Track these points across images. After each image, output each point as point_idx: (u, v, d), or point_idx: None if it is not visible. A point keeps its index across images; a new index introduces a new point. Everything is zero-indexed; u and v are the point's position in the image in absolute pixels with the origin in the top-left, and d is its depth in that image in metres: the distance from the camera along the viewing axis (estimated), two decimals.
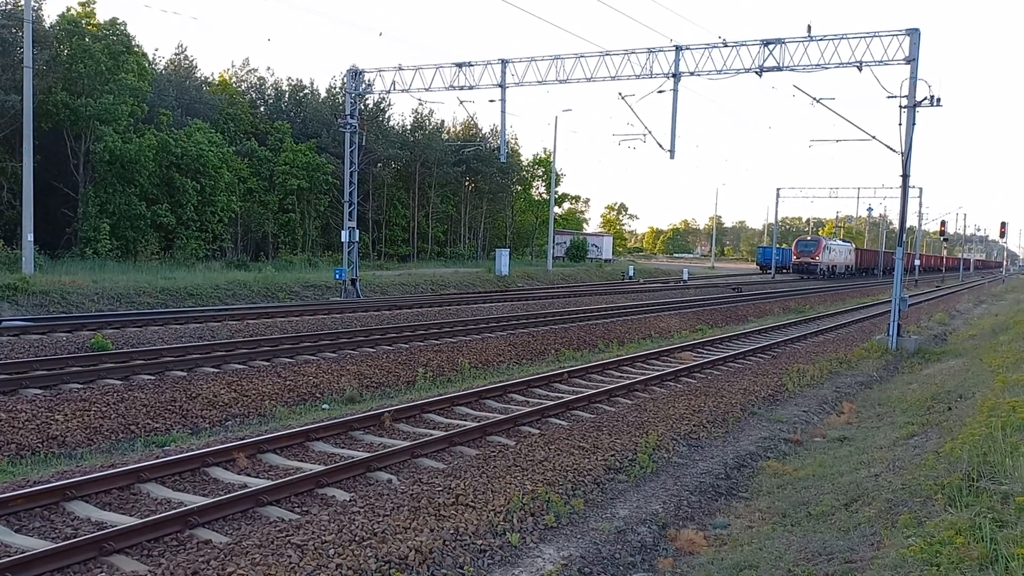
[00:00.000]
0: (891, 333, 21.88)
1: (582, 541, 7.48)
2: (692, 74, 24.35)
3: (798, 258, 68.45)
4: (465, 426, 10.86)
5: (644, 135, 27.47)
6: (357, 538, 6.72)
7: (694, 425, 11.91)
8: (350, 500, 7.74)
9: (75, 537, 6.56)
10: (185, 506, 7.28)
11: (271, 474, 8.74)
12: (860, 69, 22.38)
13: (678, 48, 24.36)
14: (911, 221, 66.24)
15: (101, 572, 5.93)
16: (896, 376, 18.29)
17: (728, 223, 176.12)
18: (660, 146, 25.53)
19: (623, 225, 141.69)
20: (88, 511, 7.28)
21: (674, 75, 24.37)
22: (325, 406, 13.45)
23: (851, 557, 6.25)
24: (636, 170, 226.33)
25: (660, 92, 24.81)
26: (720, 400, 13.71)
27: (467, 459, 9.45)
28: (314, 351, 16.34)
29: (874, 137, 23.63)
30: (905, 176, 21.53)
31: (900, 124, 21.16)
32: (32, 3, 25.63)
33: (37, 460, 9.75)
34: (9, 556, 6.05)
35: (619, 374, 16.01)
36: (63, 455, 10.07)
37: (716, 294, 41.27)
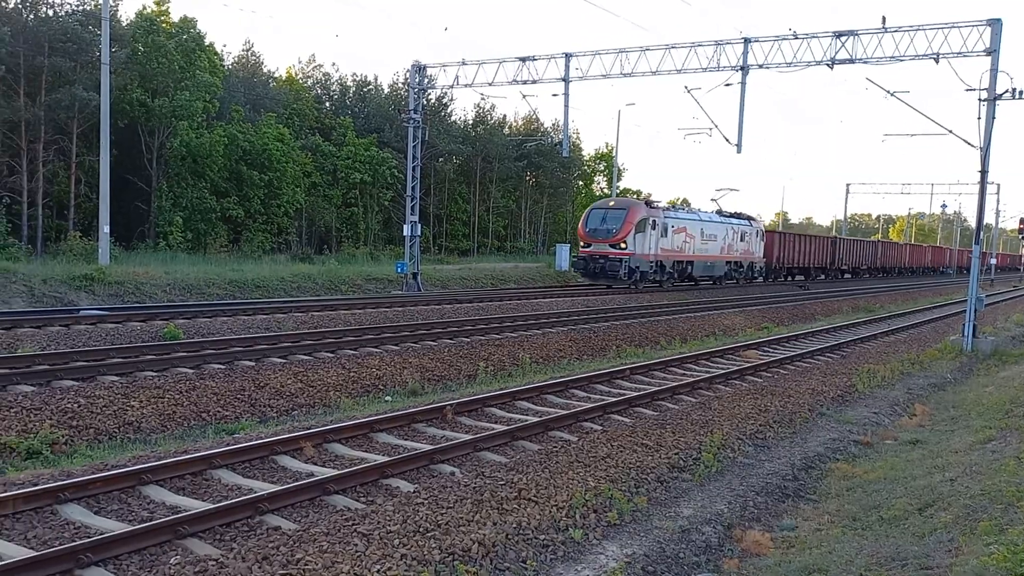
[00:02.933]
0: (966, 334, 21.16)
1: (646, 539, 7.40)
2: (761, 67, 23.91)
3: (585, 246, 34.44)
4: (527, 421, 10.86)
5: (710, 129, 26.86)
6: (421, 529, 6.77)
7: (760, 425, 11.69)
8: (414, 491, 7.80)
9: (151, 520, 6.76)
10: (255, 493, 7.43)
11: (337, 464, 8.86)
12: (937, 61, 21.68)
13: (746, 40, 23.92)
14: (988, 218, 59.35)
15: (176, 555, 6.09)
16: (971, 378, 17.67)
17: (795, 219, 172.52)
18: (727, 140, 25.11)
19: None
20: (163, 495, 7.49)
21: (742, 68, 23.94)
22: (388, 398, 13.60)
23: (927, 563, 6.06)
24: (700, 165, 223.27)
25: (727, 85, 24.38)
26: (787, 400, 13.43)
27: (529, 454, 9.44)
28: (377, 344, 16.53)
29: (951, 131, 22.84)
30: (984, 172, 20.77)
31: (979, 118, 20.42)
32: (109, 2, 26.43)
33: (114, 444, 10.07)
34: (89, 537, 6.26)
35: (682, 371, 15.82)
36: (138, 440, 10.38)
37: (782, 291, 40.51)
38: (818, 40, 23.28)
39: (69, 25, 31.73)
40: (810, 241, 54.67)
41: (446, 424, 10.81)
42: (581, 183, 69.03)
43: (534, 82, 27.55)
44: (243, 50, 50.71)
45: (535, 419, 10.89)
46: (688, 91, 25.87)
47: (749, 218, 44.53)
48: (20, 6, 31.15)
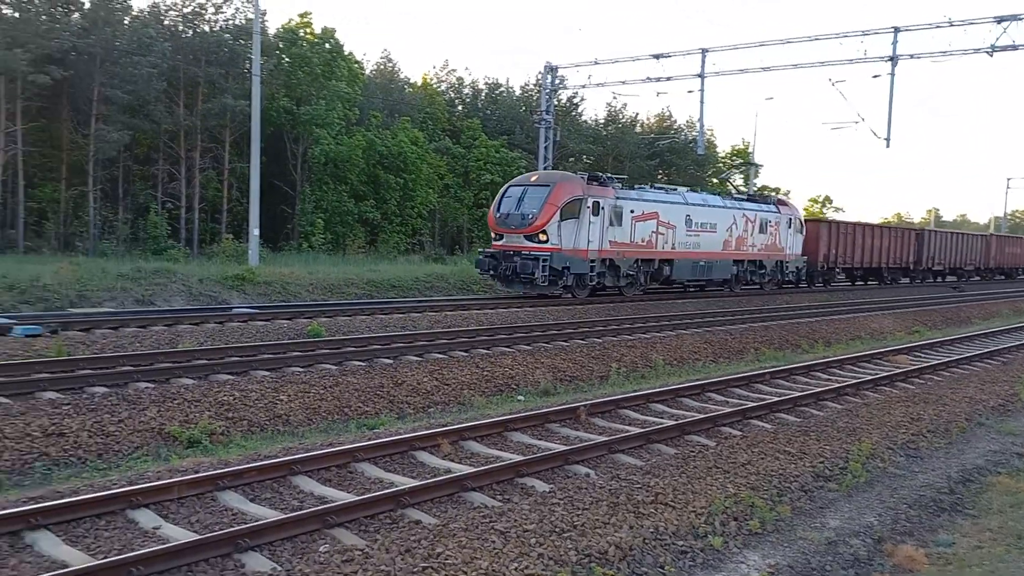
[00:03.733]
0: None
1: (789, 550, 7.13)
2: (912, 57, 22.62)
3: (496, 238, 25.17)
4: (662, 424, 10.69)
5: (856, 123, 25.70)
6: (557, 529, 6.77)
7: (912, 434, 11.05)
8: (549, 491, 7.82)
9: (301, 509, 7.08)
10: (396, 487, 7.65)
11: (472, 461, 9.00)
12: None
13: (896, 30, 22.73)
14: None
15: (324, 543, 6.35)
16: None
17: (947, 217, 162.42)
18: (874, 134, 23.96)
19: None
20: (311, 485, 7.83)
21: (891, 59, 22.79)
22: (520, 397, 13.71)
23: None
24: (844, 161, 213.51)
25: (875, 77, 23.18)
26: (942, 408, 12.63)
27: (665, 457, 9.29)
28: (509, 343, 16.69)
29: None
30: None
31: None
32: (259, 16, 27.92)
33: (265, 436, 10.61)
34: (245, 523, 6.61)
35: (826, 376, 15.17)
36: (287, 432, 10.89)
37: (934, 293, 38.17)
38: (976, 26, 21.81)
39: (222, 39, 33.75)
40: (879, 234, 41.93)
41: (579, 425, 10.79)
42: (715, 181, 67.47)
43: (668, 79, 27.21)
44: (381, 58, 52.49)
45: (671, 422, 10.71)
46: (833, 84, 24.80)
47: (778, 203, 34.03)
48: (181, 24, 33.34)
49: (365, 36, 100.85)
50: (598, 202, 24.33)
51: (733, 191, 34.85)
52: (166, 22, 32.72)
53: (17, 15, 28.00)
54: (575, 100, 53.17)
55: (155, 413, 10.26)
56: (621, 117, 57.91)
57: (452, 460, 8.98)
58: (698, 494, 7.91)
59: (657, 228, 26.58)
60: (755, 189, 57.66)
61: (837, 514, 8.09)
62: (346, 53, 40.17)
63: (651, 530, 6.99)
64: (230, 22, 35.37)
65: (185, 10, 33.09)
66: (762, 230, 31.40)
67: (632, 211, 25.53)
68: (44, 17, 28.55)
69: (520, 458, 8.73)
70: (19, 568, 5.85)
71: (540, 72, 33.80)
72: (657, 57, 26.93)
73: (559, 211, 23.38)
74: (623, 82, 28.20)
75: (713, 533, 7.19)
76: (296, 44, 37.47)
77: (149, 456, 9.37)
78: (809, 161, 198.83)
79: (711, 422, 10.77)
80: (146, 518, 6.82)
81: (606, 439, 9.63)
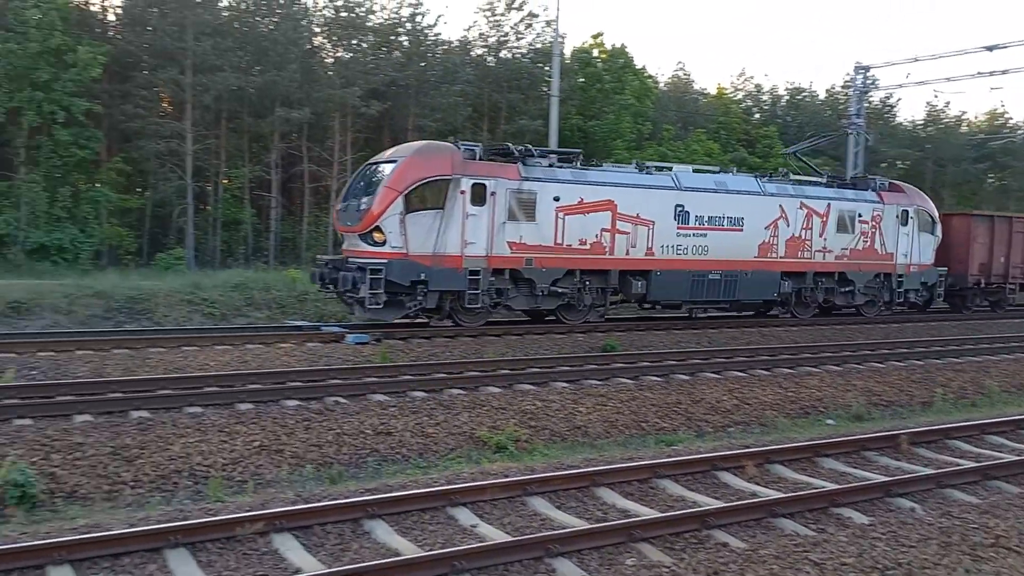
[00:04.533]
0: None
1: None
2: None
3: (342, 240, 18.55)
4: (1002, 458, 9.43)
5: None
6: (880, 565, 6.19)
7: None
8: (869, 524, 7.19)
9: (605, 520, 7.15)
10: (699, 506, 7.47)
11: (780, 486, 8.54)
12: None
13: None
14: None
15: (630, 557, 6.35)
16: None
17: None
18: None
19: None
20: (613, 498, 7.89)
21: None
22: (830, 421, 12.82)
23: None
24: None
25: None
26: None
27: (1007, 496, 8.16)
28: (815, 363, 15.71)
29: None
30: None
31: None
32: (559, 41, 29.13)
33: (565, 446, 10.90)
34: (552, 530, 6.81)
35: None
36: (586, 443, 11.11)
37: None
38: None
39: (523, 65, 35.61)
40: None
41: (900, 455, 9.83)
42: None
43: (1004, 72, 24.18)
44: (675, 71, 52.35)
45: (1013, 457, 9.41)
46: None
47: (882, 188, 23.25)
48: (487, 53, 35.70)
49: (659, 50, 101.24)
50: (483, 185, 16.52)
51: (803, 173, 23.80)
52: (473, 52, 35.21)
53: (349, 56, 31.75)
54: (889, 101, 49.15)
55: (467, 418, 10.97)
56: (943, 117, 52.47)
57: (757, 483, 8.59)
58: None
59: (613, 224, 18.11)
60: None
61: None
62: (638, 68, 40.58)
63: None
64: (531, 47, 37.24)
65: (490, 40, 35.39)
66: (843, 227, 21.54)
67: (557, 198, 17.40)
68: (370, 56, 32.04)
69: (835, 486, 8.14)
70: (360, 552, 6.50)
71: (849, 73, 31.77)
72: (990, 49, 24.09)
73: (401, 198, 15.89)
74: (947, 79, 25.61)
75: None
76: (589, 64, 38.54)
77: (462, 458, 10.02)
78: None
79: None
80: (464, 516, 7.27)
81: (934, 472, 8.70)
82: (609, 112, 37.32)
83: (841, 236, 21.44)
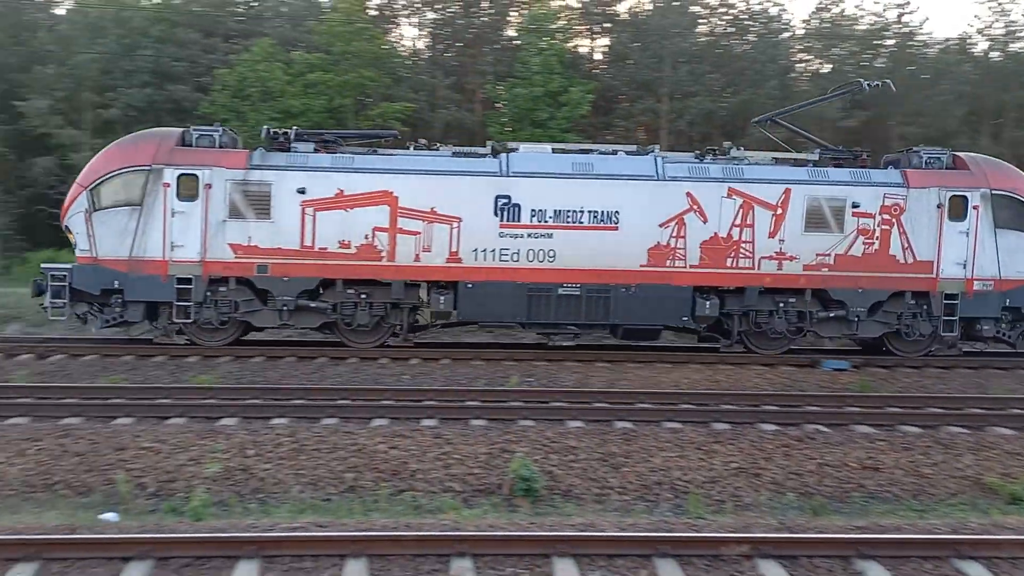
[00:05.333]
0: None
1: None
2: None
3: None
4: None
5: None
6: None
7: None
8: None
9: None
10: None
11: None
12: None
13: None
14: None
15: None
16: None
17: None
18: None
19: None
20: None
21: None
22: None
23: None
24: None
25: None
26: None
27: None
28: None
29: None
30: None
31: None
32: None
33: None
34: None
35: None
36: None
37: None
38: None
39: None
40: None
41: None
42: None
43: None
44: None
45: None
46: None
47: (918, 166, 15.33)
48: (989, 48, 31.36)
49: None
50: (194, 176, 13.98)
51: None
52: (973, 49, 31.20)
53: (829, 67, 30.47)
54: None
55: (971, 461, 9.64)
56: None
57: None
58: None
59: (393, 221, 14.28)
60: None
61: None
62: None
63: None
64: None
65: (995, 31, 30.95)
66: (818, 223, 14.81)
67: (303, 190, 14.12)
68: (848, 64, 30.21)
69: None
70: None
71: None
72: None
73: (86, 193, 13.97)
74: None
75: None
76: None
77: (966, 505, 8.82)
78: None
79: None
80: (976, 572, 6.32)
81: None
82: None
83: (815, 236, 14.83)
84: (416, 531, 6.85)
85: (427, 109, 27.67)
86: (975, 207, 14.90)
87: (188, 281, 13.93)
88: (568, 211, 14.40)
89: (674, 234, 14.59)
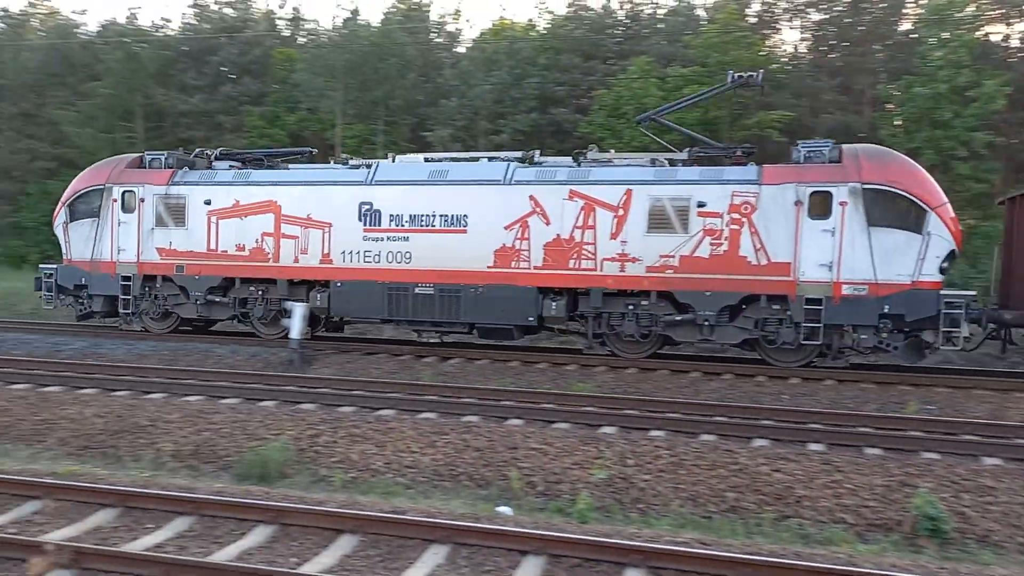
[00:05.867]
0: None
1: None
2: None
3: None
4: None
5: None
6: None
7: None
8: None
9: None
10: None
11: None
12: None
13: None
14: None
15: None
16: None
17: None
18: None
19: None
20: None
21: None
22: None
23: None
24: None
25: None
26: None
27: None
28: None
29: None
30: None
31: None
32: None
33: None
34: None
35: None
36: None
37: None
38: None
39: None
40: None
41: None
42: None
43: None
44: None
45: None
46: None
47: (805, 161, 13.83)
48: None
49: None
50: (132, 192, 16.89)
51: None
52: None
53: None
54: None
55: None
56: None
57: None
58: None
59: (277, 226, 15.94)
60: None
61: None
62: None
63: None
64: None
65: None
66: (662, 224, 14.07)
67: (208, 202, 16.36)
68: None
69: None
70: None
71: None
72: None
73: (65, 208, 17.48)
74: None
75: None
76: None
77: None
78: None
79: None
80: None
81: None
82: None
83: (658, 237, 14.13)
84: (807, 561, 6.39)
85: (808, 114, 26.24)
86: (842, 203, 13.34)
87: (128, 279, 16.94)
88: (422, 215, 15.36)
89: (518, 236, 14.93)
